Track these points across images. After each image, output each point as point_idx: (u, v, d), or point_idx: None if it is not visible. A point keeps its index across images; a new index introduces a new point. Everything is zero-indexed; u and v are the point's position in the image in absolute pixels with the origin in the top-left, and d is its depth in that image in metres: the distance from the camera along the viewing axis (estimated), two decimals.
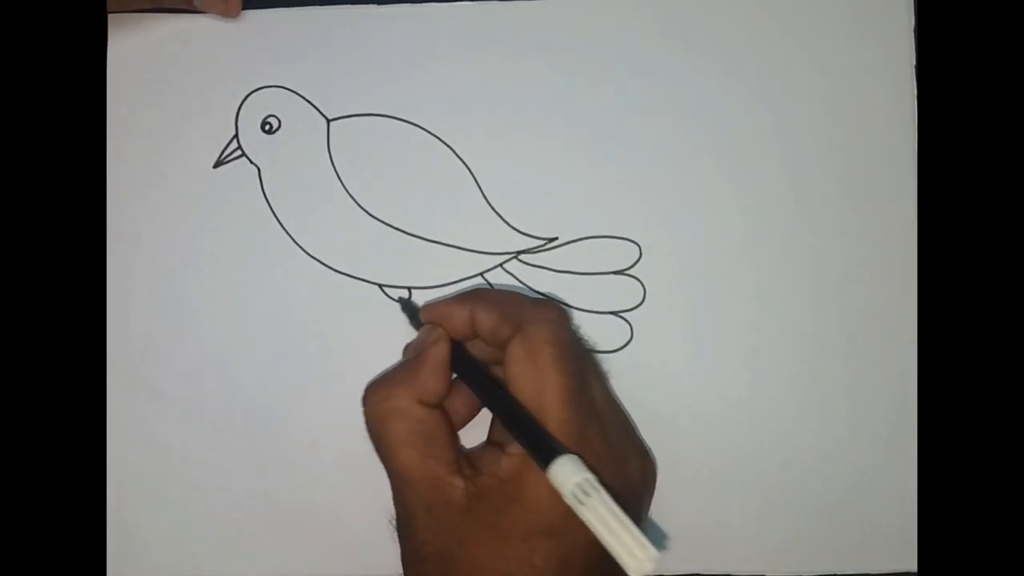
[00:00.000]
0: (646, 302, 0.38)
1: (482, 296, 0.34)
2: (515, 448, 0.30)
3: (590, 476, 0.28)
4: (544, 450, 0.29)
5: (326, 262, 0.39)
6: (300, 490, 0.37)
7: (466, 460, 0.32)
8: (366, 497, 0.36)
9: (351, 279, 0.38)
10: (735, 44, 0.39)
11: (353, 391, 0.36)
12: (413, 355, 0.34)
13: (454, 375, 0.34)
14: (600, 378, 0.34)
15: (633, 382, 0.37)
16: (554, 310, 0.32)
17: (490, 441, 0.34)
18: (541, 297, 0.37)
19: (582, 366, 0.32)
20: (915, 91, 0.38)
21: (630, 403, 0.37)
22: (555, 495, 0.28)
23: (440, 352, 0.33)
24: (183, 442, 0.38)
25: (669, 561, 0.36)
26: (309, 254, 0.39)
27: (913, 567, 0.36)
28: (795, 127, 0.39)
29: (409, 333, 0.36)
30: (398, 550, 0.33)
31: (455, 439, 0.32)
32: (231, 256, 0.39)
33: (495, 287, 0.38)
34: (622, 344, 0.38)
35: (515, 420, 0.30)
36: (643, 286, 0.38)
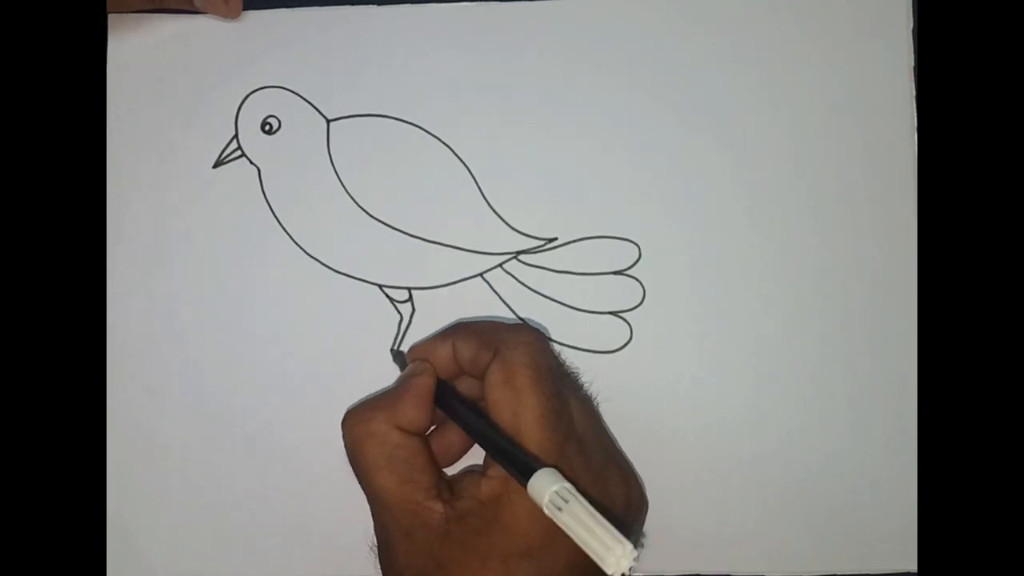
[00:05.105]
0: (645, 302, 0.38)
1: (461, 328, 0.34)
2: (496, 471, 0.30)
3: (568, 485, 0.27)
4: (523, 467, 0.29)
5: (326, 262, 0.39)
6: (299, 491, 0.37)
7: (447, 485, 0.32)
8: (365, 498, 0.36)
9: (351, 279, 0.38)
10: (734, 46, 0.39)
11: (352, 392, 0.36)
12: (397, 384, 0.34)
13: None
14: (582, 401, 0.34)
15: (633, 382, 0.37)
16: (531, 333, 0.32)
17: (472, 468, 0.34)
18: (518, 322, 0.38)
19: (560, 388, 0.32)
20: (914, 92, 0.38)
21: (629, 404, 0.37)
22: (534, 517, 0.28)
23: (422, 383, 0.33)
24: (183, 442, 0.38)
25: (669, 561, 0.36)
26: (309, 254, 0.39)
27: (913, 567, 0.36)
28: (795, 128, 0.39)
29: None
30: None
31: (435, 466, 0.32)
32: (231, 256, 0.39)
33: (494, 287, 0.38)
34: (622, 344, 0.38)
35: (493, 442, 0.30)
36: (642, 286, 0.38)
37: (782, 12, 0.39)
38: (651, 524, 0.36)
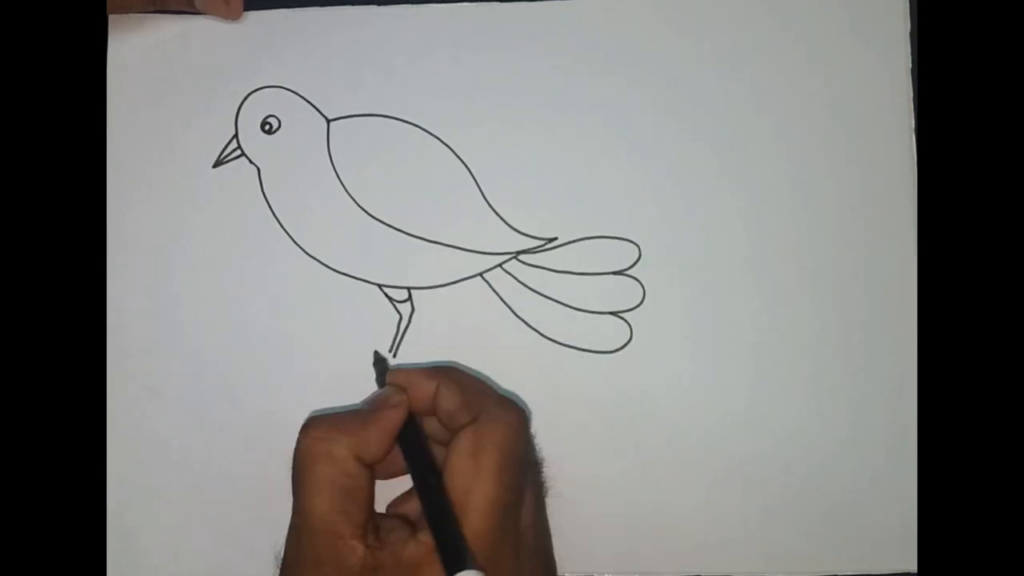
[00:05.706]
0: (645, 302, 0.38)
1: (451, 375, 0.33)
2: (426, 536, 0.29)
3: None
4: (453, 556, 0.28)
5: (326, 262, 0.39)
6: None
7: (375, 527, 0.31)
8: None
9: (351, 279, 0.38)
10: (735, 47, 0.39)
11: (352, 391, 0.36)
12: (367, 409, 0.33)
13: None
14: (537, 497, 0.33)
15: (632, 383, 0.37)
16: (515, 414, 0.31)
17: (403, 517, 0.33)
18: (509, 395, 0.36)
19: (522, 482, 0.31)
20: (911, 94, 0.38)
21: (629, 404, 0.37)
22: None
23: (395, 417, 0.32)
24: (182, 442, 0.38)
25: (669, 561, 0.36)
26: (309, 254, 0.39)
27: (913, 567, 0.36)
28: (795, 129, 0.39)
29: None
30: None
31: (371, 504, 0.31)
32: (231, 256, 0.39)
33: (494, 287, 0.38)
34: (621, 344, 0.38)
35: (436, 514, 0.30)
36: (642, 286, 0.38)
37: (781, 14, 0.39)
38: (651, 524, 0.36)
